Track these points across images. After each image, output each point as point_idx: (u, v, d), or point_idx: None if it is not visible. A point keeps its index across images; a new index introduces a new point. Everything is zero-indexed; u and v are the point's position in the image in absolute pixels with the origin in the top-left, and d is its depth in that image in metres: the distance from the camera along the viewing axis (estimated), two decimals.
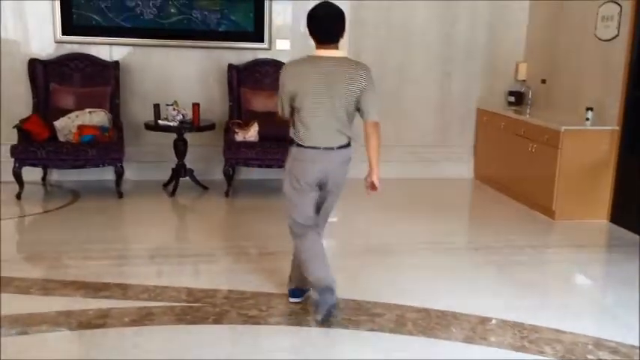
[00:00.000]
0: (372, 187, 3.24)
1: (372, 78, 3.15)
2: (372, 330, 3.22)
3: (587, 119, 5.30)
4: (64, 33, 5.86)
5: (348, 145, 3.25)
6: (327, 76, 3.09)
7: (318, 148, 3.16)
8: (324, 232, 3.46)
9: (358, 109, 3.17)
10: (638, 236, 4.92)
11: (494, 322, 3.36)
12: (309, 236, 3.30)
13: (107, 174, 5.86)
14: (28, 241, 4.66)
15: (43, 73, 5.77)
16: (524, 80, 6.52)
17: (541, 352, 3.06)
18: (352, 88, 3.10)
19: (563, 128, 5.16)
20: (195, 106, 5.66)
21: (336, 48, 3.15)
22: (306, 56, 3.22)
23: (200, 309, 3.38)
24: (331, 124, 3.15)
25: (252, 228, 4.91)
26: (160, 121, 5.64)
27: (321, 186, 3.27)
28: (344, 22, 3.14)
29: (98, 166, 5.59)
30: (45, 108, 5.74)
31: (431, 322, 3.32)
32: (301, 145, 3.18)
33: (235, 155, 5.60)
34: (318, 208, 3.35)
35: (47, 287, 3.60)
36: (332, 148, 3.18)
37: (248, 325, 3.22)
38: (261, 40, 6.20)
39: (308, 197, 3.27)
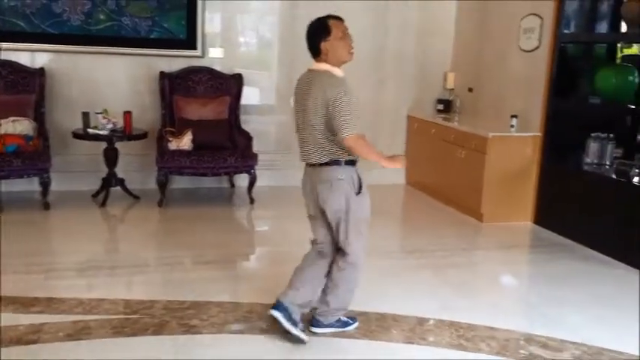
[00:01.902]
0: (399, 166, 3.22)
1: (339, 92, 2.89)
2: (314, 335, 3.24)
3: (512, 126, 5.55)
4: None
5: (332, 163, 3.01)
6: (301, 89, 3.05)
7: (306, 164, 3.13)
8: (339, 268, 3.18)
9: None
10: (559, 236, 5.18)
11: (431, 322, 3.46)
12: (310, 252, 3.29)
13: (32, 185, 5.64)
14: None
15: None
16: (452, 89, 6.76)
17: (478, 350, 3.17)
18: (316, 103, 2.92)
19: (490, 134, 5.37)
20: (127, 115, 5.53)
21: (321, 61, 3.02)
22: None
23: (139, 321, 3.30)
24: (309, 139, 3.03)
25: (187, 237, 4.83)
26: (89, 130, 5.48)
27: (321, 209, 3.11)
28: (316, 35, 3.01)
29: (23, 177, 5.36)
30: None
31: (371, 325, 3.38)
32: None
33: (169, 164, 5.50)
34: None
35: None
36: (314, 165, 3.06)
37: (189, 335, 3.18)
38: (194, 48, 6.14)
39: (313, 219, 3.23)
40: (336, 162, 3.01)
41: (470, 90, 6.57)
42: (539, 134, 5.47)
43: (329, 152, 3.01)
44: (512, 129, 5.54)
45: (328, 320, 3.26)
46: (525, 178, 5.51)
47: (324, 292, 3.23)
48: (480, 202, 5.49)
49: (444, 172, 6.09)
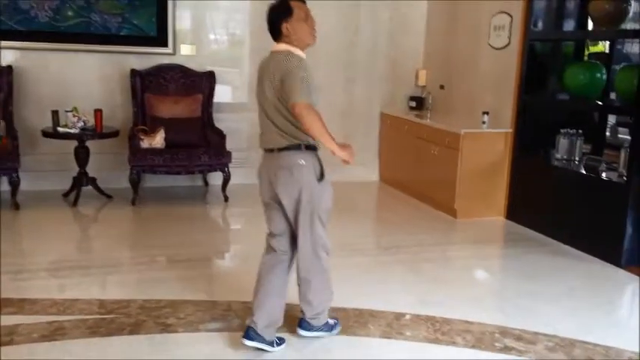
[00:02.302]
0: (344, 162, 2.89)
1: (295, 66, 2.78)
2: (291, 332, 3.25)
3: (484, 122, 5.62)
4: None
5: (291, 148, 2.88)
6: (262, 72, 2.93)
7: (264, 150, 2.99)
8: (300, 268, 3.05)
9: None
10: (531, 231, 5.27)
11: (408, 317, 3.49)
12: (266, 255, 3.11)
13: (1, 185, 5.52)
14: None
15: None
16: (424, 86, 6.82)
17: (453, 343, 3.21)
18: (274, 80, 2.81)
19: (462, 131, 5.43)
20: (98, 113, 5.46)
21: (282, 42, 2.90)
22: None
23: (114, 320, 3.26)
24: (269, 122, 2.91)
25: (161, 236, 4.79)
26: (59, 128, 5.39)
27: (277, 199, 2.96)
28: (276, 15, 2.88)
29: None
30: None
31: (349, 321, 3.40)
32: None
33: (141, 162, 5.45)
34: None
35: None
36: (272, 150, 2.93)
37: (166, 334, 3.15)
38: (165, 45, 6.08)
39: (269, 209, 3.05)
40: (296, 147, 2.87)
41: (441, 87, 6.63)
42: (510, 130, 5.55)
43: (289, 136, 2.87)
44: (484, 125, 5.61)
45: (320, 322, 3.18)
46: (497, 174, 5.59)
47: (300, 291, 3.13)
48: (453, 199, 5.55)
49: (417, 168, 6.14)
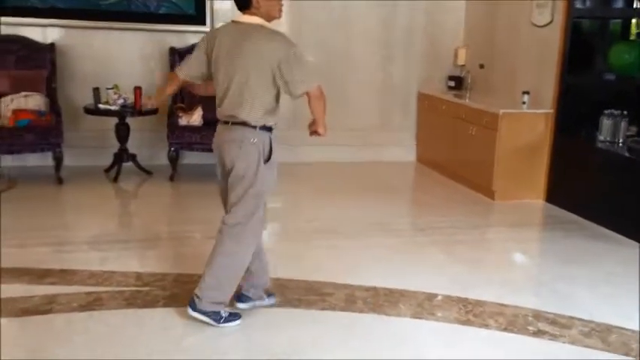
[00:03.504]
0: (315, 133, 2.97)
1: (288, 50, 2.79)
2: (323, 309, 3.27)
3: (524, 102, 5.50)
4: None
5: (247, 124, 2.84)
6: (230, 42, 2.84)
7: (221, 122, 2.94)
8: (231, 232, 3.00)
9: (280, 86, 2.84)
10: (571, 214, 5.16)
11: (440, 298, 3.47)
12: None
13: (45, 160, 5.68)
14: None
15: None
16: (463, 65, 6.70)
17: (485, 325, 3.18)
18: (260, 59, 2.77)
19: (501, 111, 5.33)
20: (137, 90, 5.54)
21: (251, 14, 2.84)
22: (230, 21, 2.96)
23: (150, 293, 3.34)
24: (232, 97, 2.84)
25: (197, 212, 4.87)
26: (100, 105, 5.49)
27: (227, 172, 2.95)
28: None
29: (36, 152, 5.42)
30: None
31: (379, 300, 3.40)
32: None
33: (179, 139, 5.53)
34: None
35: None
36: (227, 123, 2.89)
37: None
38: (203, 23, 6.12)
39: (220, 186, 3.06)
40: (252, 125, 2.84)
41: (481, 66, 6.50)
42: (551, 111, 5.41)
43: (249, 112, 2.82)
44: (524, 105, 5.49)
45: (201, 305, 2.97)
46: (537, 156, 5.48)
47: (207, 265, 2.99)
48: (491, 180, 5.46)
49: (455, 149, 6.06)
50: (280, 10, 2.95)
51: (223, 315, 3.02)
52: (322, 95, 2.88)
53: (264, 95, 2.85)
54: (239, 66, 2.81)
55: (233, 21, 2.93)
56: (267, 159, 2.92)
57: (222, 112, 2.92)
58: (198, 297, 2.98)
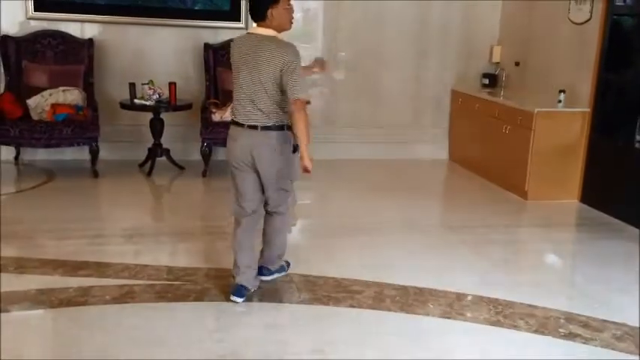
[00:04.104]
0: (304, 170, 3.14)
1: (294, 58, 3.04)
2: (351, 306, 3.28)
3: (560, 101, 5.41)
4: (36, 9, 5.76)
5: (274, 128, 3.13)
6: (248, 51, 3.09)
7: (242, 125, 3.15)
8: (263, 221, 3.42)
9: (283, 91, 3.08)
10: (606, 215, 5.06)
11: (470, 298, 3.45)
12: (242, 224, 3.30)
13: (81, 153, 5.80)
14: (2, 220, 4.59)
15: (16, 51, 5.67)
16: (498, 62, 6.62)
17: (515, 327, 3.15)
18: (274, 67, 3.02)
19: (536, 110, 5.25)
20: (172, 86, 5.62)
21: (264, 26, 3.10)
22: (246, 33, 3.27)
23: (181, 287, 3.40)
24: (252, 102, 3.10)
25: (228, 208, 4.89)
26: (135, 100, 5.58)
27: (255, 169, 3.18)
28: (263, 1, 3.06)
29: (73, 145, 5.53)
30: (17, 86, 5.65)
31: (409, 299, 3.39)
32: (232, 121, 3.23)
33: (212, 135, 5.58)
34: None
35: (25, 266, 3.58)
36: (255, 127, 3.12)
37: (229, 303, 3.25)
38: (238, 20, 6.16)
39: (243, 178, 3.23)
40: (281, 127, 3.15)
41: (517, 64, 6.41)
42: (587, 110, 5.32)
43: (276, 116, 3.12)
44: (560, 104, 5.40)
45: (273, 268, 3.53)
46: (572, 155, 5.38)
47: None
48: (524, 179, 5.39)
49: (488, 148, 5.99)
50: (291, 22, 3.20)
51: (284, 264, 3.60)
52: (304, 112, 3.07)
53: (275, 99, 3.11)
54: (261, 73, 3.05)
55: (248, 33, 3.19)
56: (294, 150, 3.24)
57: (245, 117, 3.13)
58: (267, 268, 3.48)
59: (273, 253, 3.49)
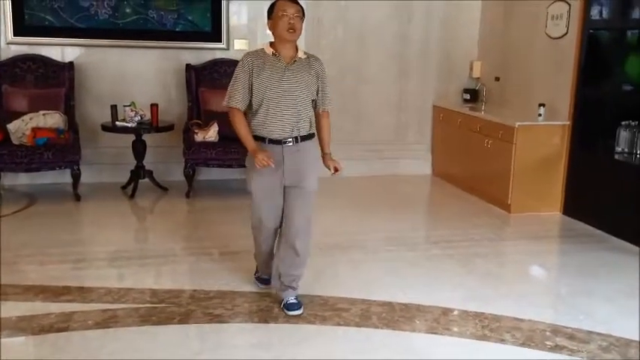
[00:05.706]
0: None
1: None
2: (338, 324, 3.26)
3: (540, 115, 5.47)
4: (15, 34, 5.72)
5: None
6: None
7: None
8: None
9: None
10: (589, 227, 5.10)
11: (456, 312, 3.44)
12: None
13: (63, 177, 5.75)
14: None
15: None
16: (478, 78, 6.69)
17: (502, 340, 3.15)
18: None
19: (517, 124, 5.30)
20: (154, 107, 5.60)
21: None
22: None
23: (165, 309, 3.36)
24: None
25: (213, 228, 4.89)
26: (117, 123, 5.56)
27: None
28: (267, 16, 3.31)
29: (54, 169, 5.47)
30: None
31: (395, 315, 3.38)
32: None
33: (195, 156, 5.56)
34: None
35: (6, 292, 3.51)
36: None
37: (214, 324, 3.22)
38: (219, 40, 6.18)
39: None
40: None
41: (497, 79, 6.48)
42: (567, 123, 5.38)
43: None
44: (540, 118, 5.46)
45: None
46: (554, 168, 5.44)
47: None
48: (507, 193, 5.43)
49: (470, 162, 6.04)
50: (287, 31, 3.17)
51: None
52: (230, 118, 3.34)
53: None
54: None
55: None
56: None
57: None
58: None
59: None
